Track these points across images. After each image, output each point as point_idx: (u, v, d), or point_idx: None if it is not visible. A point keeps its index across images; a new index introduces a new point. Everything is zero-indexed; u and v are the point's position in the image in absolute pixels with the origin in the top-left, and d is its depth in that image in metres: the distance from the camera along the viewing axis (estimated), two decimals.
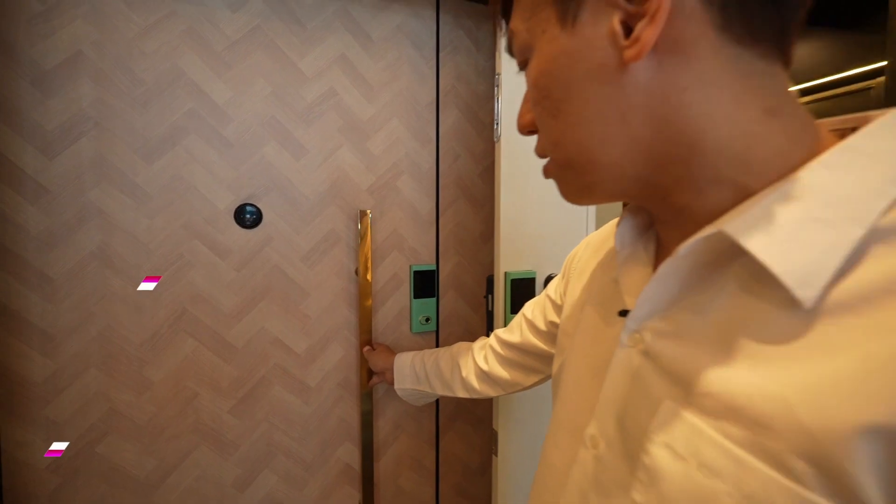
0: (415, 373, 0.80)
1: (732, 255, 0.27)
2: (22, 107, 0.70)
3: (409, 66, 0.99)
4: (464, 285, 1.06)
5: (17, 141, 0.70)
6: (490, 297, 0.85)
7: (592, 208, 0.88)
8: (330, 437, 0.95)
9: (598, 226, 0.89)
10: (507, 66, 0.79)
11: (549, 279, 0.84)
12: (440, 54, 1.02)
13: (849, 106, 1.81)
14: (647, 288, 0.30)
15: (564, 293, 0.50)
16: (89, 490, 0.76)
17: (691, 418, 0.26)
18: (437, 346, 1.05)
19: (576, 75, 0.28)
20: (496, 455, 0.82)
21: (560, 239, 0.84)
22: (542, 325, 0.57)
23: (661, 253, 0.35)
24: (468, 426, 1.08)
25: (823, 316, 0.23)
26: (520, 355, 0.62)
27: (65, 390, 0.74)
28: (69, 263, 0.74)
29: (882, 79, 1.69)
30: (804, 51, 2.02)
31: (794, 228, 0.24)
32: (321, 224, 0.92)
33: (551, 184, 0.35)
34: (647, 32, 0.24)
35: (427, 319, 1.02)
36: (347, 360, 0.96)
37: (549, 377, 0.62)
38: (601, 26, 0.27)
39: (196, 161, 0.81)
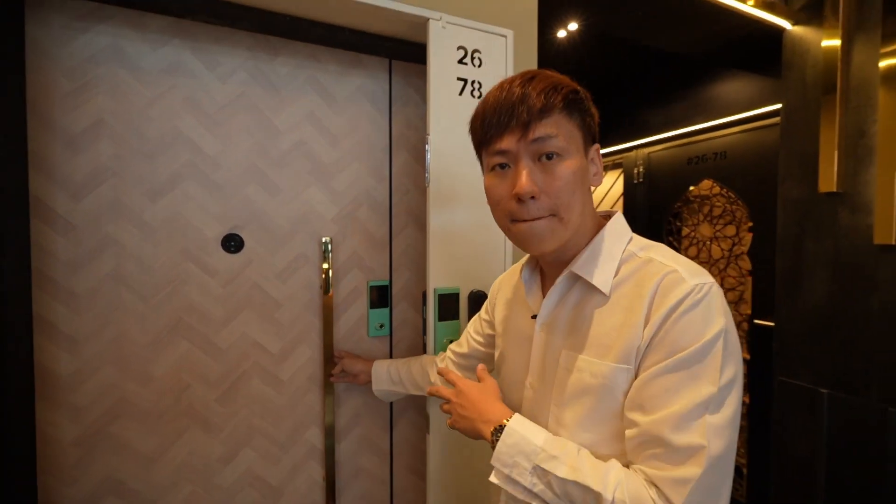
0: (390, 378, 1.06)
1: (577, 279, 0.61)
2: (56, 162, 0.91)
3: (367, 119, 1.21)
4: (413, 297, 1.28)
5: (52, 188, 0.91)
6: (425, 307, 1.06)
7: (510, 244, 1.11)
8: (299, 422, 1.16)
9: (514, 253, 1.12)
10: (434, 128, 1.02)
11: (471, 294, 1.06)
12: (392, 108, 1.25)
13: (764, 138, 2.06)
14: (544, 302, 0.63)
15: (493, 312, 0.81)
16: (104, 461, 0.96)
17: (576, 354, 0.58)
18: (391, 348, 1.27)
19: (584, 178, 0.59)
20: (429, 433, 1.04)
21: (478, 263, 1.06)
22: (481, 338, 0.85)
23: (545, 282, 0.68)
24: (418, 415, 1.29)
25: (612, 296, 0.57)
26: (470, 361, 0.89)
27: (85, 382, 0.94)
28: (90, 283, 0.95)
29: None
30: (731, 88, 2.28)
31: (598, 264, 0.58)
32: (292, 248, 1.14)
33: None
34: (601, 174, 0.62)
35: (381, 326, 1.24)
36: (314, 359, 1.17)
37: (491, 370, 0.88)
38: (590, 164, 0.60)
39: (191, 200, 1.03)
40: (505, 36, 1.11)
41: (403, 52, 1.21)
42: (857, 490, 1.46)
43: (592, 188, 0.60)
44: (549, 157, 0.55)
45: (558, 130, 0.54)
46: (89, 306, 0.95)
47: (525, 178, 0.54)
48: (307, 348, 1.16)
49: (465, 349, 0.88)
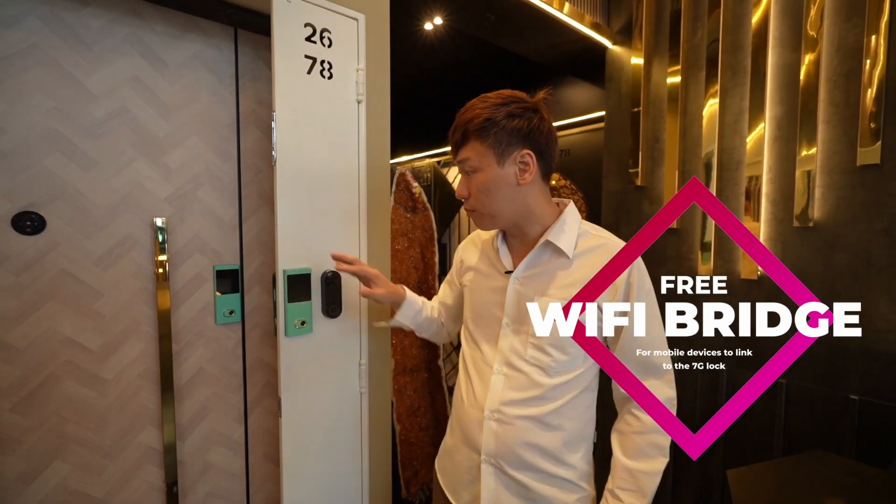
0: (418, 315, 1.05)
1: (547, 245, 0.78)
2: None
3: (208, 90, 1.12)
4: (268, 281, 1.23)
5: None
6: (275, 290, 1.04)
7: (364, 220, 1.14)
8: (130, 424, 1.04)
9: (368, 230, 1.15)
10: (280, 105, 0.99)
11: (325, 275, 1.06)
12: (240, 81, 1.17)
13: (597, 139, 2.41)
14: (522, 262, 0.79)
15: (461, 271, 0.94)
16: None
17: (546, 299, 0.75)
18: (244, 335, 1.21)
19: (499, 184, 0.75)
20: (281, 417, 1.02)
21: (331, 242, 1.07)
22: (455, 293, 1.00)
23: (511, 248, 0.84)
24: (274, 402, 1.26)
25: (574, 260, 0.77)
26: (451, 311, 1.03)
27: None
28: None
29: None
30: (574, 93, 2.61)
31: (563, 234, 0.78)
32: (115, 230, 1.01)
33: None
34: (527, 177, 0.75)
35: (231, 312, 1.17)
36: (148, 352, 1.06)
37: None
38: (511, 168, 0.75)
39: None
40: (356, 19, 1.12)
41: (251, 23, 1.14)
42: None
43: (522, 184, 0.75)
44: (468, 172, 0.76)
45: (475, 154, 0.74)
46: None
47: (459, 185, 0.79)
48: (138, 341, 1.05)
49: (449, 301, 1.02)
